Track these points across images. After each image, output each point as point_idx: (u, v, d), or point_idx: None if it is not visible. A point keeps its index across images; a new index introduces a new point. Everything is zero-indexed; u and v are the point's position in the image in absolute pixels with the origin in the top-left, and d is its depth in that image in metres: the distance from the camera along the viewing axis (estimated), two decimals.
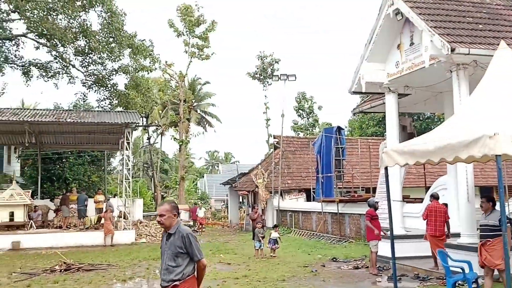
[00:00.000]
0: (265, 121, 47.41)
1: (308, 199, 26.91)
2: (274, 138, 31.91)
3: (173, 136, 47.41)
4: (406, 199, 16.44)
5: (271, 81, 45.74)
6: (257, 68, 47.28)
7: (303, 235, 23.48)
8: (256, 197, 29.81)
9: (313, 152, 25.55)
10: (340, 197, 22.04)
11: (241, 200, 35.98)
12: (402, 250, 11.55)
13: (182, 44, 39.73)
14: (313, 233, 22.89)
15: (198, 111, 50.77)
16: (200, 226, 25.49)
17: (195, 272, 5.15)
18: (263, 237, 16.14)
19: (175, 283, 4.93)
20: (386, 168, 8.87)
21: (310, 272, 12.76)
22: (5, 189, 23.84)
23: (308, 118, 49.64)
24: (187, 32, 39.38)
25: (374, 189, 18.95)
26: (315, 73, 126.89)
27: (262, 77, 47.05)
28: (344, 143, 23.95)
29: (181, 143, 42.12)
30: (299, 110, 49.39)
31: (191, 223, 30.59)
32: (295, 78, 28.32)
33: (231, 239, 23.96)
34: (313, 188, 25.05)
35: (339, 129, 24.19)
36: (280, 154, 28.69)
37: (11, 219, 22.54)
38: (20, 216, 22.72)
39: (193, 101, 47.91)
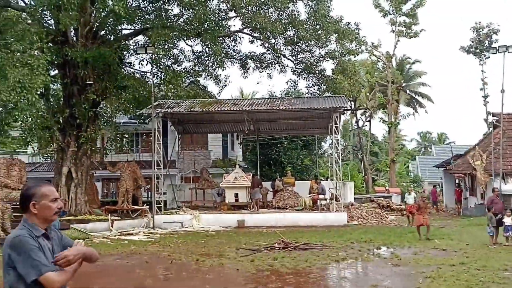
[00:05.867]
0: (483, 98, 43.71)
1: None
2: (493, 116, 29.18)
3: (381, 118, 46.85)
4: None
5: (488, 54, 41.87)
6: (472, 41, 43.68)
7: None
8: (474, 180, 27.73)
9: None
10: None
11: (457, 183, 33.86)
12: None
13: (388, 24, 38.83)
14: None
15: (408, 91, 49.12)
16: (410, 215, 23.09)
17: None
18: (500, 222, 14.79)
19: None
20: None
21: None
22: (230, 173, 26.49)
23: None
24: (394, 11, 38.28)
25: None
26: None
27: (478, 50, 43.36)
28: None
29: (390, 125, 41.36)
30: None
31: (402, 205, 29.72)
32: None
33: (446, 224, 22.77)
34: None
35: None
36: (501, 133, 26.10)
37: (236, 200, 25.01)
38: (243, 197, 25.05)
39: (402, 81, 46.52)
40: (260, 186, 26.42)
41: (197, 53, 29.15)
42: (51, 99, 25.29)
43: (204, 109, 25.18)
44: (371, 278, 10.70)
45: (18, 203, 3.30)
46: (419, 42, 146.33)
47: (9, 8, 23.60)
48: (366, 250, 14.37)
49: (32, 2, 23.30)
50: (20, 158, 23.05)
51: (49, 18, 23.70)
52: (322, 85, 30.32)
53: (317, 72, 29.91)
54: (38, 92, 21.16)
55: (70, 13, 20.54)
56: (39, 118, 23.13)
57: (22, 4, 24.48)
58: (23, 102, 19.92)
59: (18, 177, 20.50)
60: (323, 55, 29.19)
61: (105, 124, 27.39)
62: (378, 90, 44.76)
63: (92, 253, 3.34)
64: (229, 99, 28.93)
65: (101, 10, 23.39)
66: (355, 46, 28.38)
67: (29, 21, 22.67)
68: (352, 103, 44.11)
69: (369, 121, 51.17)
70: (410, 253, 13.75)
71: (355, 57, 30.86)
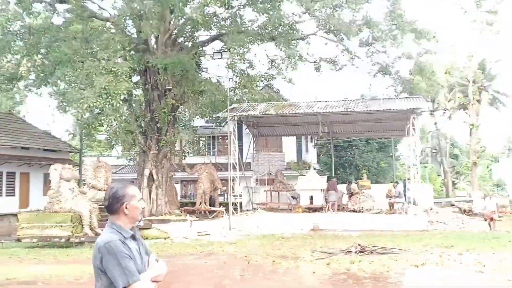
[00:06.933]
0: None
1: None
2: None
3: (463, 119, 45.06)
4: None
5: None
6: None
7: None
8: None
9: None
10: None
11: None
12: None
13: (469, 22, 37.33)
14: None
15: (490, 91, 46.80)
16: (491, 221, 21.71)
17: None
18: None
19: None
20: None
21: None
22: (305, 175, 26.53)
23: None
24: (475, 7, 36.70)
25: None
26: None
27: None
28: None
29: (471, 127, 39.65)
30: None
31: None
32: None
33: None
34: None
35: None
36: None
37: (311, 202, 25.01)
38: (318, 199, 25.00)
39: (484, 81, 44.39)
40: (335, 189, 26.23)
41: (271, 57, 29.44)
42: (134, 104, 26.50)
43: (278, 112, 25.42)
44: (453, 284, 10.37)
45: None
46: (502, 38, 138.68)
47: (94, 19, 25.02)
48: (447, 255, 13.88)
49: (116, 13, 24.57)
50: (105, 160, 24.34)
51: (132, 27, 24.88)
52: (399, 86, 29.62)
53: (393, 73, 29.28)
54: (122, 98, 22.28)
55: (151, 22, 21.46)
56: (122, 123, 24.32)
57: (107, 14, 25.85)
58: (108, 107, 21.08)
59: (104, 178, 21.68)
60: (399, 55, 28.55)
61: (183, 127, 28.36)
62: (458, 90, 43.06)
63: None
64: (303, 102, 28.93)
65: (179, 18, 24.26)
66: (433, 45, 27.53)
67: (113, 31, 23.92)
68: (430, 104, 42.72)
69: (449, 122, 49.34)
70: (495, 259, 13.17)
71: (433, 56, 29.92)
